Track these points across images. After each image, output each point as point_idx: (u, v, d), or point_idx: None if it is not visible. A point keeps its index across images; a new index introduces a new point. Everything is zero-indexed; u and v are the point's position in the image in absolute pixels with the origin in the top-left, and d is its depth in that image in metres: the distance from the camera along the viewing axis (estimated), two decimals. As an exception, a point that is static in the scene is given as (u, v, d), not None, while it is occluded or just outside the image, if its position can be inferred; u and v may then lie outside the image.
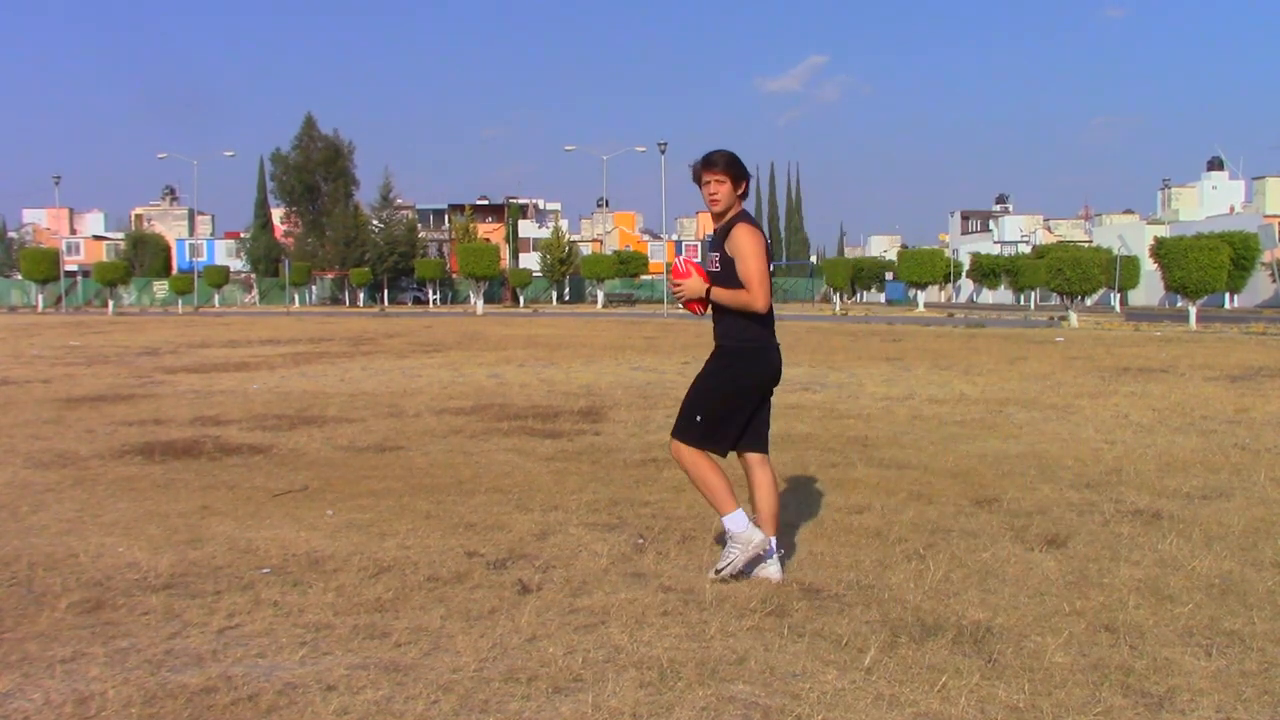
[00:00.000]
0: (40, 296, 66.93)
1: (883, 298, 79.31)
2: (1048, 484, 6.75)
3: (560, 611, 4.14)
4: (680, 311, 56.49)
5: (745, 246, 4.43)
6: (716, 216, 4.57)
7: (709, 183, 4.49)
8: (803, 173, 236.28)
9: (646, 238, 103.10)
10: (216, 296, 76.53)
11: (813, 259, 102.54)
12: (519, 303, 73.93)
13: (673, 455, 4.74)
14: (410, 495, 6.46)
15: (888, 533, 5.40)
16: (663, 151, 57.85)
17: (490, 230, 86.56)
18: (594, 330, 30.24)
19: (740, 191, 4.53)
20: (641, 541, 5.23)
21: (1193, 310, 33.18)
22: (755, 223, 4.56)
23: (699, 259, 4.73)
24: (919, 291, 56.59)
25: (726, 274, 4.48)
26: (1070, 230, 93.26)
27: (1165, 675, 3.49)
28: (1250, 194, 75.38)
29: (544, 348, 21.58)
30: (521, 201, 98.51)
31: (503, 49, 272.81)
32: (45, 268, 65.81)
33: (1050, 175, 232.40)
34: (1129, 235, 66.87)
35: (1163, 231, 58.25)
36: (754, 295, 4.41)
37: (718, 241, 4.55)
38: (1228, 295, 51.16)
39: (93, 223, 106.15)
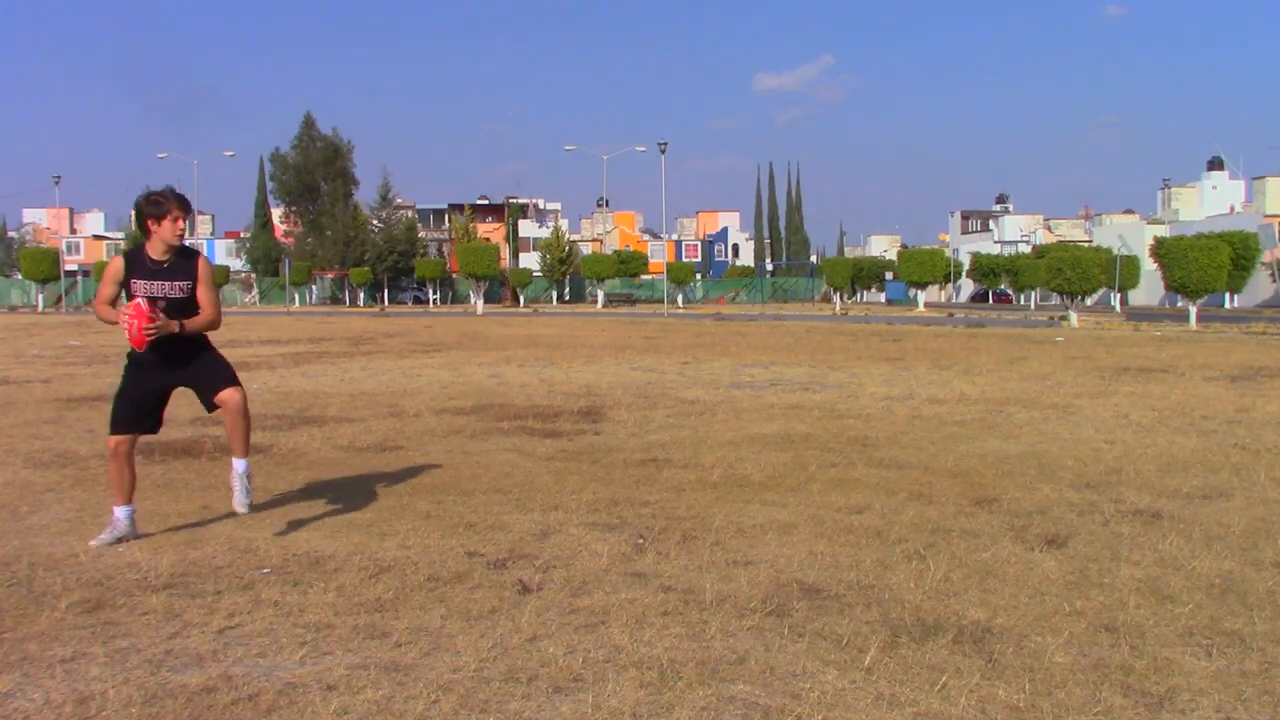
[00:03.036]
0: (40, 296, 66.92)
1: (883, 297, 79.33)
2: (1048, 484, 6.74)
3: (560, 611, 4.14)
4: (680, 311, 56.50)
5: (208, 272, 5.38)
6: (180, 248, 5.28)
7: (178, 219, 5.20)
8: (803, 173, 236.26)
9: (646, 237, 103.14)
10: (216, 296, 76.39)
11: (813, 259, 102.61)
12: (519, 302, 73.94)
13: (236, 399, 5.36)
14: (410, 495, 6.46)
15: (888, 533, 5.40)
16: (663, 151, 57.83)
17: (490, 230, 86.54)
18: (594, 330, 30.24)
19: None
20: (641, 541, 5.23)
21: (1193, 310, 33.19)
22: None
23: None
24: (919, 291, 56.61)
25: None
26: (1070, 230, 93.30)
27: (1165, 675, 3.49)
28: (1250, 194, 75.41)
29: (544, 347, 21.58)
30: (521, 201, 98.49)
31: (503, 48, 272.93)
32: (45, 267, 65.82)
33: (1050, 175, 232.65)
34: (1129, 235, 66.89)
35: (1163, 231, 58.26)
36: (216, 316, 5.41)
37: (179, 269, 5.25)
38: (1228, 295, 51.17)
39: (93, 222, 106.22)
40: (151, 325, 5.05)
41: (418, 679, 3.45)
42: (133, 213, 5.33)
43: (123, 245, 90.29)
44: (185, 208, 5.23)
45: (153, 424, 5.42)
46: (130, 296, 5.18)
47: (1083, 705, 3.26)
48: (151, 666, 3.57)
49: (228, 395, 5.34)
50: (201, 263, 5.34)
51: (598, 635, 3.87)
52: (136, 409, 5.30)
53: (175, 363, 5.28)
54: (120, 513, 5.32)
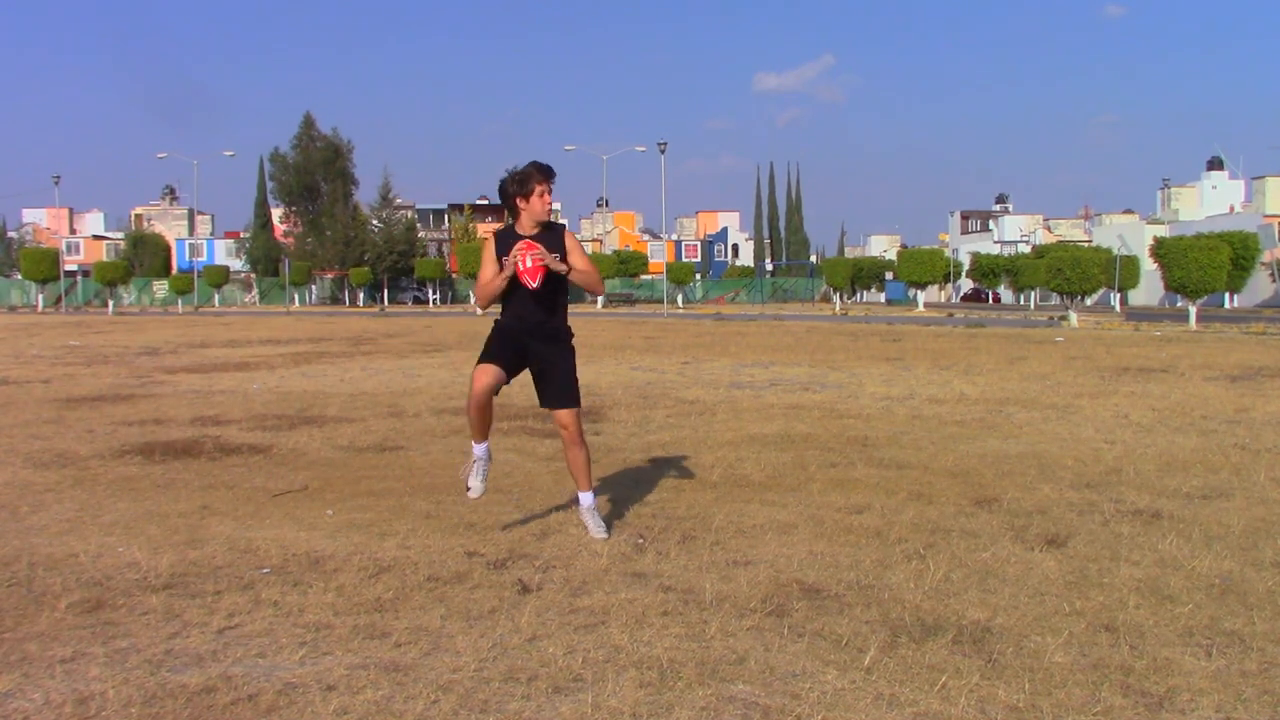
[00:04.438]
0: (40, 296, 66.93)
1: (883, 297, 79.34)
2: (1048, 484, 6.74)
3: (560, 611, 4.14)
4: (680, 311, 56.49)
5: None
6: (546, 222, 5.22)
7: (544, 193, 5.12)
8: (803, 173, 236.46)
9: (646, 237, 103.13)
10: (216, 296, 76.57)
11: (813, 259, 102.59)
12: (519, 302, 73.78)
13: (571, 424, 5.28)
14: (410, 495, 6.46)
15: (888, 533, 5.40)
16: (663, 151, 57.85)
17: (490, 230, 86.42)
18: (594, 330, 30.24)
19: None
20: (641, 541, 5.23)
21: (1193, 310, 33.20)
22: None
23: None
24: (919, 291, 56.61)
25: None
26: (1070, 230, 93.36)
27: (1165, 675, 3.49)
28: (1250, 194, 75.43)
29: (544, 347, 21.54)
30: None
31: (503, 48, 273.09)
32: (45, 268, 65.82)
33: (1050, 175, 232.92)
34: (1129, 235, 66.88)
35: (1163, 231, 58.29)
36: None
37: (549, 240, 5.14)
38: (1228, 295, 51.18)
39: (93, 223, 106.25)
40: (539, 253, 5.05)
41: (418, 679, 3.45)
42: (499, 196, 5.23)
43: (122, 246, 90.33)
44: (549, 178, 5.18)
45: (511, 373, 5.24)
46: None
47: (1083, 705, 3.26)
48: (151, 666, 3.57)
49: (564, 416, 5.27)
50: (568, 234, 5.29)
51: (598, 635, 3.86)
52: (502, 349, 5.18)
53: (536, 339, 5.22)
54: (479, 450, 5.36)
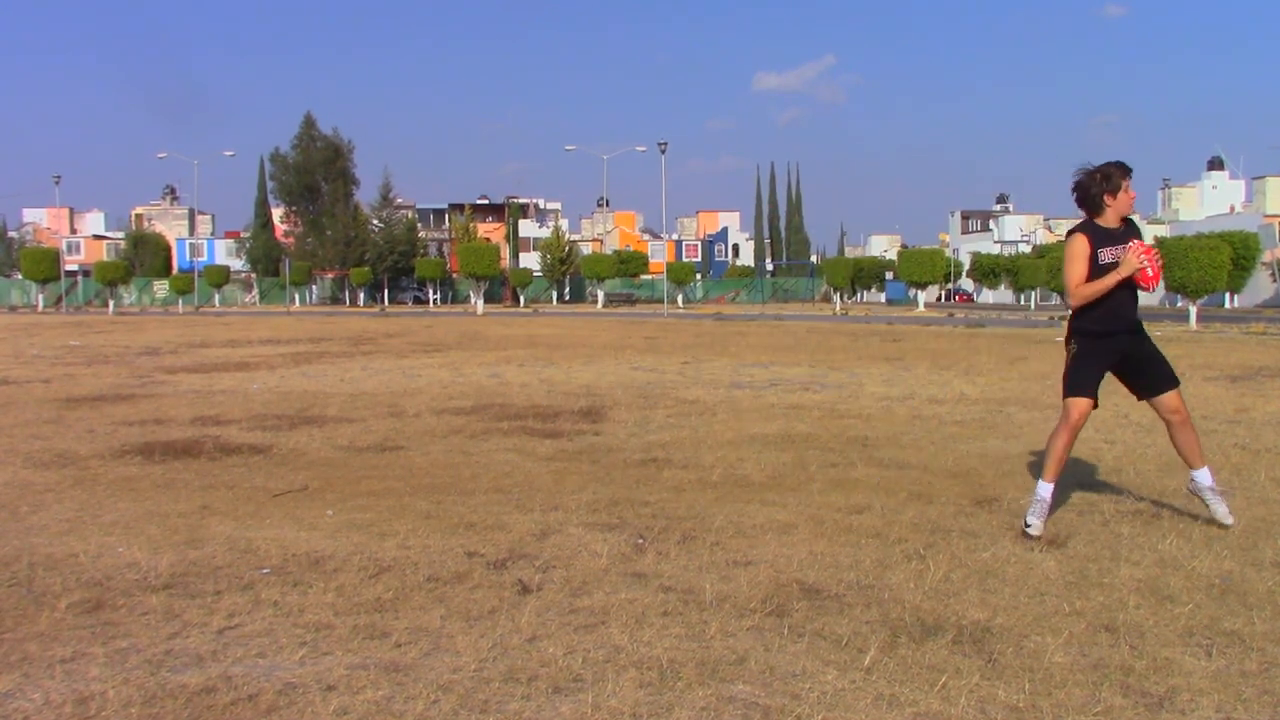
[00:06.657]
0: (40, 296, 66.99)
1: (883, 297, 79.36)
2: (1048, 484, 6.72)
3: (560, 611, 4.14)
4: (680, 311, 56.50)
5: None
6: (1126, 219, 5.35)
7: (1129, 187, 5.26)
8: (803, 173, 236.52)
9: (646, 237, 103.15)
10: (216, 296, 76.62)
11: (813, 259, 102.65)
12: (519, 302, 73.99)
13: (1181, 406, 5.48)
14: (410, 495, 6.46)
15: (888, 533, 5.40)
16: (663, 151, 57.89)
17: (490, 230, 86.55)
18: (594, 330, 30.24)
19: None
20: (641, 541, 5.23)
21: (1193, 310, 33.19)
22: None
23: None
24: (919, 291, 56.61)
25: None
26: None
27: (1165, 675, 3.49)
28: (1250, 194, 75.46)
29: (544, 347, 21.58)
30: (522, 201, 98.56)
31: (503, 48, 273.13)
32: (45, 267, 65.89)
33: (1050, 175, 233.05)
34: (1129, 235, 66.75)
35: (1163, 231, 58.29)
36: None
37: (1128, 236, 5.27)
38: (1228, 295, 51.17)
39: (93, 222, 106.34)
40: (1157, 255, 5.21)
41: (418, 679, 3.45)
42: (1080, 193, 5.28)
43: (122, 246, 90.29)
44: (1130, 174, 5.29)
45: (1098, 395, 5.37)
46: (1098, 270, 5.20)
47: (1083, 705, 3.26)
48: (151, 666, 3.57)
49: (1174, 399, 5.41)
50: (1136, 231, 5.39)
51: (598, 635, 3.86)
52: (1099, 370, 5.34)
53: (1129, 334, 5.34)
54: (1049, 491, 5.37)
